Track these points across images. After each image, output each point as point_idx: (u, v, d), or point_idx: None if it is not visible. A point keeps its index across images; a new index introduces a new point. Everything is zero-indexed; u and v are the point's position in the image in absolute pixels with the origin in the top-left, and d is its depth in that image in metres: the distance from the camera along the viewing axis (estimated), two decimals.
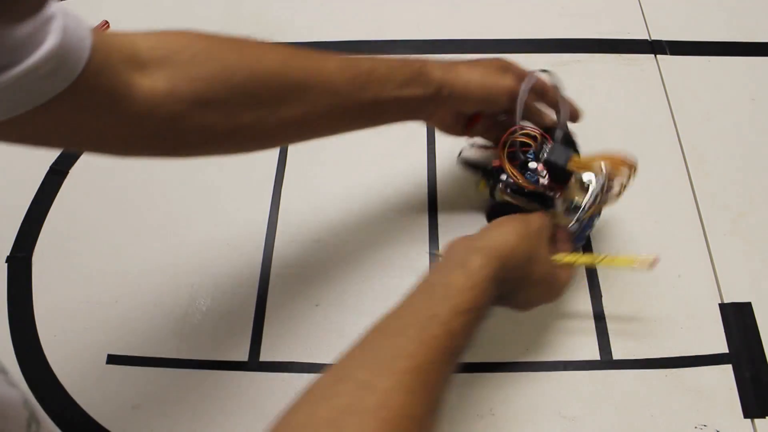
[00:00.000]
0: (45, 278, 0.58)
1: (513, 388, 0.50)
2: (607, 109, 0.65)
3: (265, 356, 0.52)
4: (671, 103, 0.65)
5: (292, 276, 0.56)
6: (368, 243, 0.58)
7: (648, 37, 0.71)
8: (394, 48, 0.71)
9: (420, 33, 0.73)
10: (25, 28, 0.30)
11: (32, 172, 0.64)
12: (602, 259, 0.48)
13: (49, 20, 0.31)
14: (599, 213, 0.50)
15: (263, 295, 0.55)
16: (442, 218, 0.59)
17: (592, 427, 0.48)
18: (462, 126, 0.52)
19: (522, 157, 0.51)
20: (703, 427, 0.47)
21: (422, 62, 0.48)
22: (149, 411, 0.50)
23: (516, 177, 0.50)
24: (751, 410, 0.48)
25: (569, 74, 0.68)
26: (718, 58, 0.69)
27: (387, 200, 0.60)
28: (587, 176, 0.48)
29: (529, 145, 0.51)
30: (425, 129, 0.65)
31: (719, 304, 0.53)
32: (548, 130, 0.52)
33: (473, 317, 0.38)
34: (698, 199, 0.59)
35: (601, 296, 0.54)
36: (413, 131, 0.65)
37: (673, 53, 0.69)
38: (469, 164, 0.56)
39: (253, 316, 0.54)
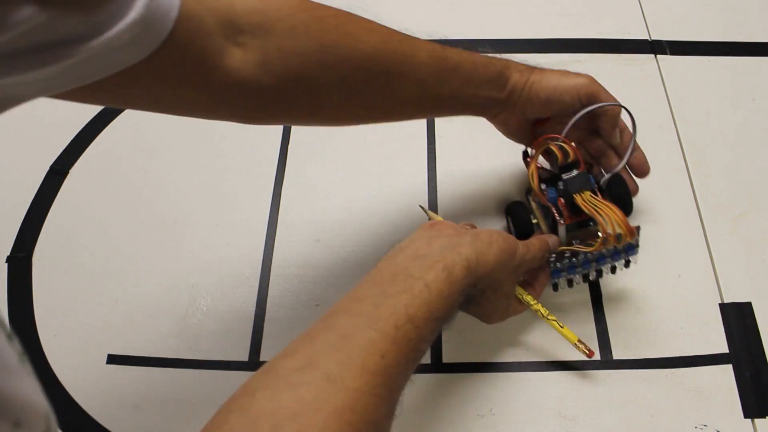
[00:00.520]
0: (45, 278, 0.58)
1: (513, 388, 0.50)
2: None
3: (265, 356, 0.52)
4: (671, 103, 0.65)
5: (292, 276, 0.56)
6: (368, 243, 0.58)
7: (648, 37, 0.71)
8: None
9: (420, 33, 0.73)
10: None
11: (32, 172, 0.64)
12: (550, 320, 0.47)
13: None
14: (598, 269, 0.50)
15: (263, 295, 0.55)
16: (442, 215, 0.59)
17: (592, 427, 0.48)
18: (525, 131, 0.52)
19: (557, 170, 0.49)
20: (703, 427, 0.47)
21: (505, 63, 0.49)
22: (149, 411, 0.50)
23: (533, 180, 0.49)
24: (751, 410, 0.48)
25: None
26: (718, 58, 0.69)
27: (387, 200, 0.60)
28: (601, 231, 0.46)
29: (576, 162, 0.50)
30: (425, 129, 0.65)
31: (719, 304, 0.53)
32: (589, 166, 0.51)
33: (441, 324, 0.38)
34: (698, 199, 0.59)
35: (601, 296, 0.54)
36: (413, 131, 0.65)
37: (673, 53, 0.69)
38: (526, 158, 0.54)
39: (253, 316, 0.54)
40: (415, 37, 0.46)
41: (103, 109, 0.68)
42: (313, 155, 0.63)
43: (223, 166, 0.63)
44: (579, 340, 0.47)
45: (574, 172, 0.49)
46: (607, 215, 0.46)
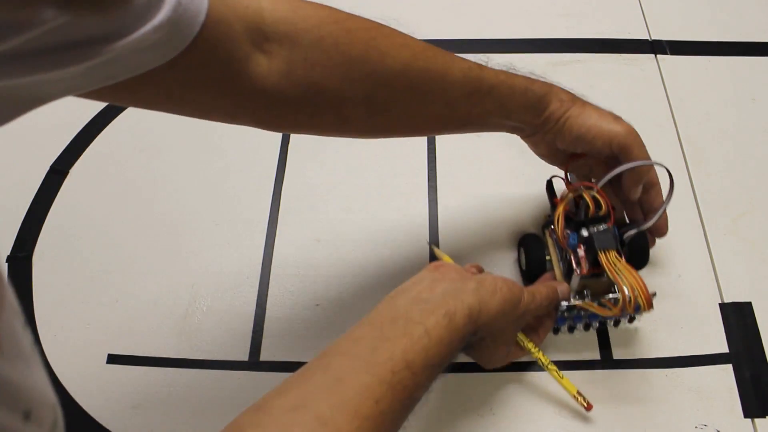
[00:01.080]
0: (45, 278, 0.58)
1: (513, 388, 0.50)
2: (608, 108, 0.65)
3: (265, 356, 0.52)
4: (671, 103, 0.65)
5: (292, 276, 0.56)
6: (368, 243, 0.58)
7: (648, 37, 0.71)
8: None
9: (420, 33, 0.72)
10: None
11: (32, 172, 0.64)
12: (550, 369, 0.46)
13: None
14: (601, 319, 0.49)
15: (263, 295, 0.55)
16: (442, 218, 0.59)
17: (592, 427, 0.48)
18: (556, 157, 0.51)
19: (583, 216, 0.48)
20: (703, 427, 0.47)
21: (547, 89, 0.47)
22: (149, 411, 0.50)
23: (557, 224, 0.48)
24: (751, 410, 0.48)
25: (569, 74, 0.68)
26: (718, 58, 0.69)
27: (387, 200, 0.60)
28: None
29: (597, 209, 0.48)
30: None
31: (719, 304, 0.53)
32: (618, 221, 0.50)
33: (438, 371, 0.37)
34: (698, 199, 0.59)
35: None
36: None
37: (673, 53, 0.69)
38: (549, 189, 0.52)
39: (253, 316, 0.54)
40: (452, 55, 0.44)
41: (103, 109, 0.68)
42: (313, 155, 0.63)
43: (223, 166, 0.63)
44: (578, 392, 0.46)
45: (603, 227, 0.47)
46: (629, 284, 0.44)
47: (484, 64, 0.46)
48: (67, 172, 0.64)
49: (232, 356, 0.52)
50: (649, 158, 0.48)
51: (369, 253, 0.57)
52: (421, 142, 0.64)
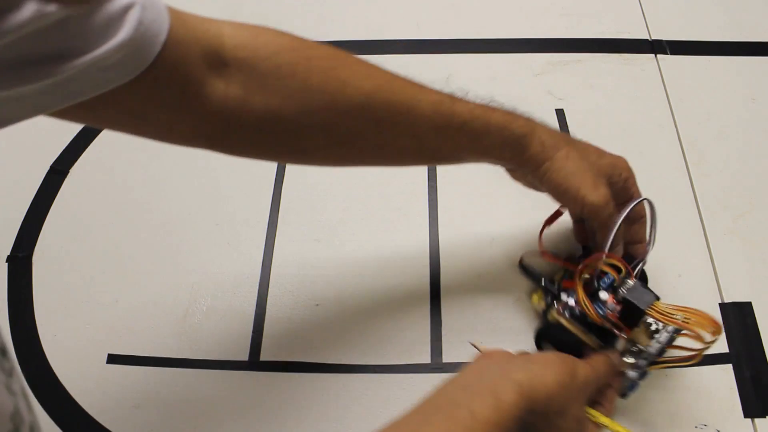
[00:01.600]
0: (45, 278, 0.58)
1: None
2: (607, 109, 0.65)
3: (265, 356, 0.52)
4: (671, 103, 0.65)
5: (292, 276, 0.56)
6: (368, 243, 0.58)
7: (648, 37, 0.71)
8: (395, 48, 0.71)
9: (420, 33, 0.73)
10: (101, 16, 0.30)
11: (32, 172, 0.64)
12: None
13: (125, 10, 0.31)
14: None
15: (263, 295, 0.55)
16: (442, 217, 0.59)
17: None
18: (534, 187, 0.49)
19: (596, 285, 0.45)
20: (703, 426, 0.47)
21: (529, 130, 0.44)
22: (149, 411, 0.50)
23: (587, 308, 0.44)
24: (752, 410, 0.48)
25: (569, 74, 0.68)
26: (718, 58, 0.69)
27: (387, 200, 0.60)
28: (653, 320, 0.43)
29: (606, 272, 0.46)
30: None
31: (719, 304, 0.53)
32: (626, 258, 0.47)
33: None
34: (698, 199, 0.59)
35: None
36: None
37: (673, 53, 0.69)
38: (529, 272, 0.50)
39: (253, 316, 0.54)
40: (422, 86, 0.43)
41: None
42: None
43: (223, 165, 0.63)
44: None
45: (630, 284, 0.44)
46: (700, 324, 0.42)
47: (461, 97, 0.44)
48: (67, 172, 0.64)
49: (232, 356, 0.52)
50: (612, 226, 0.45)
51: (369, 253, 0.57)
52: None
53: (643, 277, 0.50)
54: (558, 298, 0.47)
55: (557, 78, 0.68)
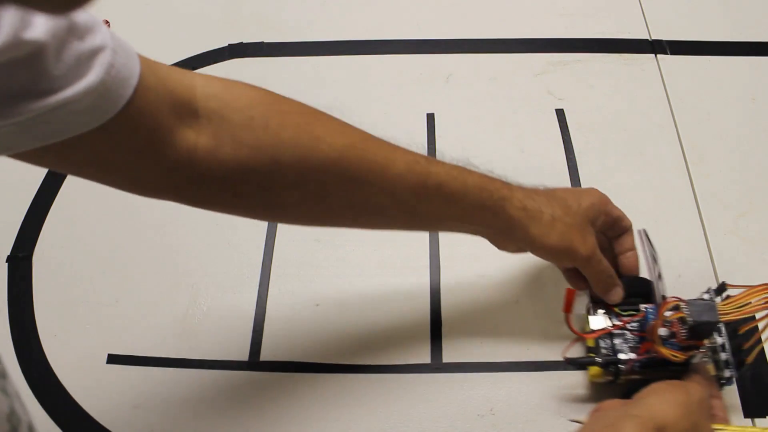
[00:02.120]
0: (45, 278, 0.58)
1: (514, 388, 0.50)
2: (607, 109, 0.65)
3: (265, 356, 0.52)
4: (671, 102, 0.65)
5: (292, 276, 0.56)
6: (368, 243, 0.58)
7: (648, 37, 0.71)
8: (394, 48, 0.71)
9: (420, 33, 0.73)
10: (70, 55, 0.29)
11: (32, 172, 0.64)
12: None
13: (95, 53, 0.30)
14: None
15: (263, 295, 0.55)
16: None
17: None
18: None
19: (642, 329, 0.47)
20: None
21: (506, 192, 0.44)
22: (149, 411, 0.50)
23: (677, 356, 0.44)
24: (751, 410, 0.48)
25: (569, 74, 0.68)
26: (719, 58, 0.69)
27: None
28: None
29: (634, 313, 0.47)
30: (425, 128, 0.65)
31: None
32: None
33: None
34: (698, 199, 0.59)
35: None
36: (413, 131, 0.65)
37: (673, 53, 0.69)
38: (580, 363, 0.48)
39: (253, 316, 0.54)
40: (397, 146, 0.42)
41: None
42: None
43: None
44: None
45: (686, 308, 0.44)
46: (754, 294, 0.42)
47: (437, 159, 0.43)
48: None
49: (232, 356, 0.52)
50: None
51: (369, 253, 0.57)
52: (422, 141, 0.64)
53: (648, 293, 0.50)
54: (616, 362, 0.46)
55: (557, 78, 0.68)
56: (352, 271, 0.56)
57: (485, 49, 0.71)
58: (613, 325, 0.47)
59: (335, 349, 0.52)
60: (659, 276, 0.49)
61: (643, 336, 0.47)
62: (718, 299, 0.46)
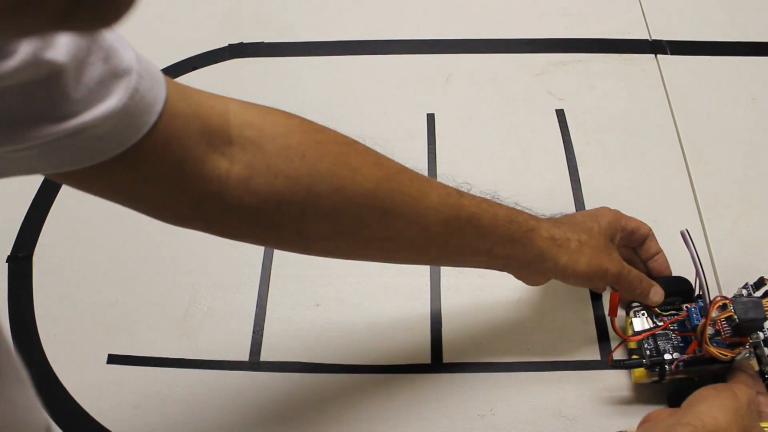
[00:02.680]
0: (45, 278, 0.58)
1: (513, 388, 0.50)
2: (607, 109, 0.65)
3: (265, 356, 0.52)
4: (671, 103, 0.65)
5: (293, 276, 0.56)
6: None
7: (648, 37, 0.71)
8: (394, 48, 0.71)
9: (420, 33, 0.73)
10: (91, 77, 0.28)
11: None
12: None
13: (119, 77, 0.29)
14: None
15: (263, 295, 0.55)
16: None
17: (592, 427, 0.48)
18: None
19: (690, 328, 0.47)
20: None
21: (533, 224, 0.44)
22: (149, 411, 0.50)
23: (726, 354, 0.44)
24: None
25: (569, 74, 0.68)
26: (719, 58, 0.69)
27: None
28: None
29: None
30: (425, 128, 0.65)
31: None
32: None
33: None
34: (698, 199, 0.59)
35: (601, 297, 0.54)
36: (413, 131, 0.65)
37: (673, 53, 0.69)
38: (627, 364, 0.48)
39: (253, 316, 0.54)
40: (429, 179, 0.42)
41: None
42: None
43: None
44: None
45: (731, 306, 0.44)
46: None
47: (465, 190, 0.43)
48: None
49: (232, 356, 0.52)
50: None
51: None
52: (422, 141, 0.64)
53: (689, 293, 0.50)
54: (662, 363, 0.46)
55: (557, 78, 0.68)
56: (352, 271, 0.56)
57: (485, 49, 0.71)
58: (658, 326, 0.48)
59: (335, 349, 0.52)
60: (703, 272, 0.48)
61: (686, 335, 0.47)
62: (758, 293, 0.46)
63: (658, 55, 0.69)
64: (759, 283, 0.47)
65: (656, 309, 0.49)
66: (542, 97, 0.66)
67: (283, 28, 0.74)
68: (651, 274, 0.52)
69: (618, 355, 0.49)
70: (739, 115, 0.64)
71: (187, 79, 0.70)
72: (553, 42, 0.71)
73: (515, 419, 0.48)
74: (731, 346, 0.44)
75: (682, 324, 0.48)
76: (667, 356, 0.46)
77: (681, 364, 0.46)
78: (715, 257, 0.55)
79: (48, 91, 0.27)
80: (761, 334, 0.45)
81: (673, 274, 0.52)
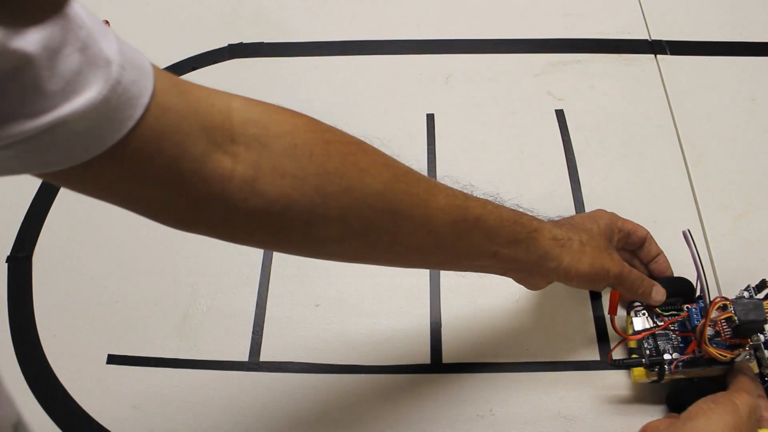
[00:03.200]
0: (45, 278, 0.58)
1: (513, 388, 0.50)
2: (607, 109, 0.65)
3: (265, 356, 0.52)
4: (671, 103, 0.65)
5: (293, 276, 0.56)
6: None
7: (648, 37, 0.71)
8: (394, 48, 0.71)
9: (420, 33, 0.73)
10: (66, 70, 0.26)
11: None
12: None
13: (98, 67, 0.27)
14: None
15: (263, 295, 0.55)
16: None
17: (592, 427, 0.48)
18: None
19: (690, 328, 0.47)
20: None
21: (537, 225, 0.44)
22: (149, 411, 0.50)
23: (725, 355, 0.44)
24: None
25: (569, 74, 0.68)
26: (718, 58, 0.69)
27: None
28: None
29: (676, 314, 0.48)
30: (425, 128, 0.65)
31: None
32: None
33: None
34: (698, 199, 0.59)
35: (600, 297, 0.54)
36: (413, 131, 0.65)
37: (673, 53, 0.69)
38: (626, 363, 0.48)
39: (253, 316, 0.54)
40: (435, 181, 0.42)
41: None
42: None
43: None
44: None
45: (732, 308, 0.44)
46: None
47: (469, 192, 0.43)
48: None
49: (232, 356, 0.52)
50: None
51: None
52: (420, 138, 0.64)
53: (689, 292, 0.50)
54: (661, 362, 0.46)
55: (557, 78, 0.68)
56: (352, 271, 0.56)
57: (485, 49, 0.71)
58: (658, 326, 0.48)
59: (335, 349, 0.52)
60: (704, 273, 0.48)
61: (686, 335, 0.47)
62: (760, 295, 0.46)
63: (658, 56, 0.69)
64: (761, 286, 0.47)
65: (657, 309, 0.49)
66: (542, 98, 0.66)
67: (283, 28, 0.74)
68: (652, 276, 0.52)
69: (617, 354, 0.49)
70: (739, 116, 0.64)
71: (186, 79, 0.70)
72: (552, 42, 0.71)
73: (515, 419, 0.48)
74: (731, 348, 0.44)
75: (682, 324, 0.48)
76: (666, 356, 0.46)
77: (680, 364, 0.46)
78: (715, 257, 0.55)
79: (18, 85, 0.25)
80: (761, 336, 0.45)
81: (674, 275, 0.52)
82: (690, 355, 0.46)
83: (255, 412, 0.50)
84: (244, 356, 0.52)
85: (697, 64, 0.68)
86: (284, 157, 0.34)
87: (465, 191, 0.42)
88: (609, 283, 0.47)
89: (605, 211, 0.51)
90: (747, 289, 0.48)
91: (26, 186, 0.63)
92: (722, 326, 0.44)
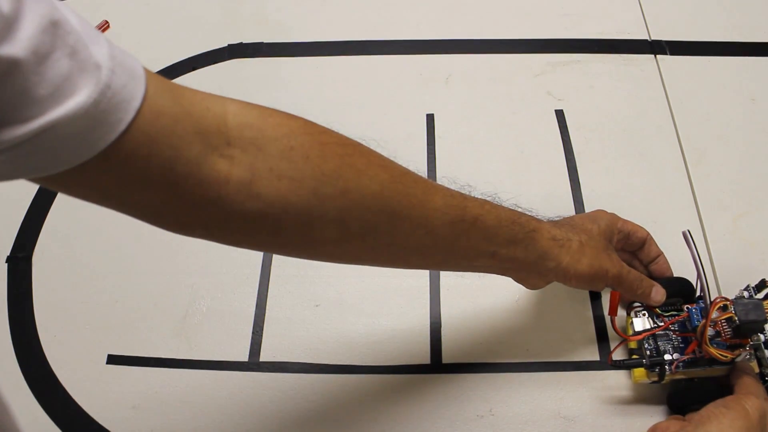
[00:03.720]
0: (45, 278, 0.58)
1: (513, 388, 0.50)
2: (607, 109, 0.65)
3: (265, 356, 0.52)
4: (671, 103, 0.65)
5: (292, 276, 0.56)
6: None
7: (648, 37, 0.71)
8: (394, 48, 0.71)
9: (420, 33, 0.73)
10: (55, 75, 0.26)
11: None
12: None
13: (88, 71, 0.27)
14: None
15: (263, 295, 0.55)
16: None
17: (592, 427, 0.48)
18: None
19: (690, 328, 0.47)
20: None
21: (535, 224, 0.44)
22: (149, 411, 0.50)
23: (726, 356, 0.44)
24: None
25: (569, 74, 0.68)
26: (718, 58, 0.69)
27: None
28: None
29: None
30: (425, 128, 0.65)
31: None
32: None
33: None
34: (698, 199, 0.59)
35: (600, 297, 0.54)
36: (413, 131, 0.65)
37: (673, 53, 0.69)
38: (626, 364, 0.48)
39: (253, 316, 0.54)
40: (432, 182, 0.42)
41: None
42: None
43: None
44: None
45: (732, 308, 0.44)
46: None
47: (467, 193, 0.43)
48: None
49: (232, 357, 0.52)
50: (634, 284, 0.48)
51: None
52: (420, 138, 0.64)
53: (690, 292, 0.50)
54: (662, 363, 0.46)
55: (557, 78, 0.68)
56: (351, 271, 0.56)
57: (485, 49, 0.71)
58: (658, 327, 0.48)
59: (335, 349, 0.52)
60: (704, 273, 0.48)
61: (686, 336, 0.47)
62: (760, 295, 0.46)
63: (658, 56, 0.69)
64: (761, 285, 0.47)
65: (657, 309, 0.49)
66: (542, 98, 0.66)
67: (282, 28, 0.74)
68: (653, 277, 0.52)
69: (618, 355, 0.49)
70: (739, 116, 0.64)
71: (186, 80, 0.70)
72: (552, 42, 0.71)
73: (514, 420, 0.48)
74: (731, 348, 0.44)
75: (682, 324, 0.48)
76: (667, 356, 0.46)
77: (681, 364, 0.46)
78: (715, 257, 0.55)
79: (7, 91, 0.25)
80: (762, 336, 0.45)
81: (674, 275, 0.52)
82: (690, 356, 0.46)
83: (255, 412, 0.50)
84: (243, 356, 0.52)
85: (696, 65, 0.68)
86: (281, 160, 0.34)
87: (463, 191, 0.42)
88: (608, 283, 0.47)
89: (605, 211, 0.51)
90: (747, 289, 0.48)
91: (26, 186, 0.63)
92: (722, 326, 0.44)
